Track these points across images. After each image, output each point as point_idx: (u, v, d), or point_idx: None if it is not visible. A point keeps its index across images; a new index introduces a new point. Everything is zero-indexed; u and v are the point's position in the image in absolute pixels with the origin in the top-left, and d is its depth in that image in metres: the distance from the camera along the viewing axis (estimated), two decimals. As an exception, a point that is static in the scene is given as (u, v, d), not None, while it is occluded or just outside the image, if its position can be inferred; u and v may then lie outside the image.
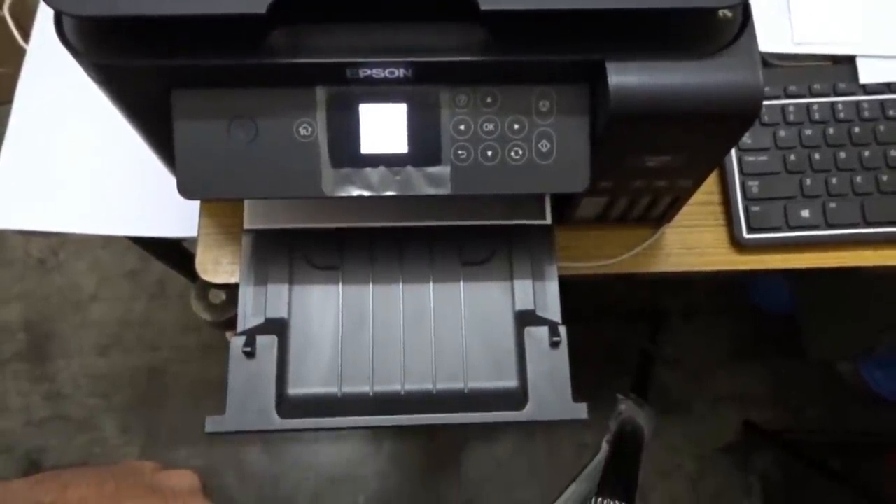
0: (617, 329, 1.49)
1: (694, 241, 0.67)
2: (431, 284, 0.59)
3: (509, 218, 0.59)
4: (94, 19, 0.42)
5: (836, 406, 1.45)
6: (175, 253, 0.96)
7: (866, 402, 1.41)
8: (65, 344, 1.50)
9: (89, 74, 0.44)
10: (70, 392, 1.47)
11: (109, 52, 0.42)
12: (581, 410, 0.52)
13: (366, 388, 0.55)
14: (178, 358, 1.49)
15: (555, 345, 0.53)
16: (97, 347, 1.49)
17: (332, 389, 0.55)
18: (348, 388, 0.55)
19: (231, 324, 0.61)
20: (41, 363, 1.49)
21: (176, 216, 0.73)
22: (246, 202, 0.59)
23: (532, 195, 0.59)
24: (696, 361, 1.49)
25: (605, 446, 0.75)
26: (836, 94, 0.69)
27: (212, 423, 0.51)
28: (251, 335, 0.53)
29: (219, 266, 0.64)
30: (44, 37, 0.80)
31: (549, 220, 0.59)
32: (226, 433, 0.51)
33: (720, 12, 0.45)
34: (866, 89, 0.69)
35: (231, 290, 0.65)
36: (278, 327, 0.56)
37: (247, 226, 0.59)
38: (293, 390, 0.55)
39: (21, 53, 0.80)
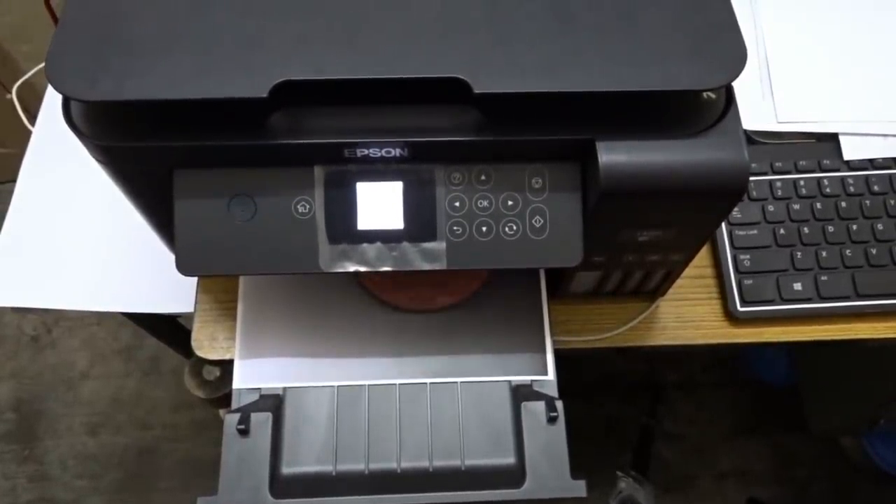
0: (616, 403, 1.47)
1: (689, 314, 0.67)
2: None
3: (512, 373, 0.58)
4: (102, 104, 0.44)
5: (841, 482, 1.42)
6: (170, 329, 0.96)
7: (871, 477, 1.38)
8: (54, 423, 1.47)
9: (94, 156, 0.45)
10: (57, 474, 1.43)
11: (115, 134, 0.44)
12: (580, 488, 0.51)
13: (361, 466, 0.54)
14: (169, 437, 1.46)
15: (552, 420, 0.53)
16: (87, 426, 1.46)
17: (327, 467, 0.54)
18: (343, 466, 0.54)
19: (224, 401, 0.61)
20: (29, 444, 1.46)
21: (172, 292, 0.73)
22: (235, 364, 0.58)
23: (536, 345, 0.59)
24: (697, 436, 1.46)
25: (605, 526, 0.73)
26: (822, 171, 0.70)
27: (203, 505, 0.50)
28: (246, 412, 0.53)
29: (215, 342, 0.64)
30: (49, 119, 0.82)
31: (551, 377, 0.57)
32: (218, 514, 0.50)
33: (704, 94, 0.47)
34: (850, 165, 0.71)
35: (226, 366, 0.65)
36: (273, 404, 0.55)
37: (236, 385, 0.57)
38: (287, 469, 0.54)
39: (27, 134, 0.82)
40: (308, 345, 0.59)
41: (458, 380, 0.57)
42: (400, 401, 0.57)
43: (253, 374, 0.57)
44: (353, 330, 0.59)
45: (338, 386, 0.57)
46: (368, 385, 0.57)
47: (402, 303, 0.60)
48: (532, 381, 0.58)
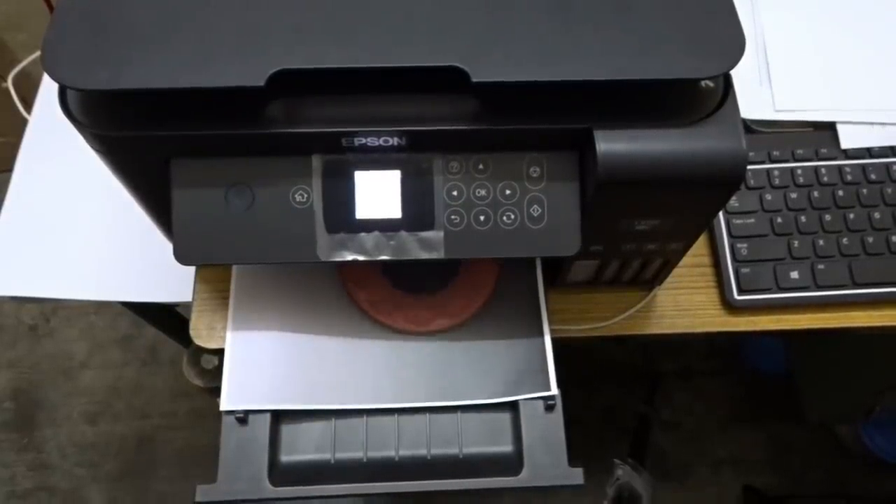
0: (613, 392, 1.47)
1: (686, 303, 0.67)
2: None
3: (514, 393, 0.55)
4: (98, 93, 0.44)
5: (837, 470, 1.43)
6: (168, 318, 0.96)
7: (867, 465, 1.39)
8: (53, 412, 1.47)
9: (91, 145, 0.45)
10: (57, 462, 1.44)
11: (112, 123, 0.44)
12: (577, 476, 0.51)
13: (359, 454, 0.55)
14: (167, 425, 1.46)
15: (549, 408, 0.53)
16: (86, 415, 1.47)
17: (326, 456, 0.54)
18: (342, 454, 0.55)
19: (224, 390, 0.61)
20: (28, 432, 1.46)
21: (171, 281, 0.73)
22: (224, 383, 0.55)
23: (537, 360, 0.57)
24: (694, 425, 1.47)
25: (602, 513, 0.74)
26: (819, 159, 0.70)
27: (202, 493, 0.50)
28: (244, 401, 0.53)
29: (213, 331, 0.64)
30: (46, 108, 0.82)
31: (554, 391, 0.55)
32: (217, 503, 0.50)
33: (703, 83, 0.47)
34: (847, 154, 0.71)
35: (224, 355, 0.65)
36: (272, 393, 0.56)
37: (224, 407, 0.54)
38: (286, 457, 0.54)
39: (23, 123, 0.82)
40: (301, 365, 0.57)
41: (459, 403, 0.56)
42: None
43: (243, 396, 0.55)
44: (349, 348, 0.58)
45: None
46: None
47: (399, 325, 0.59)
48: (535, 398, 0.55)
